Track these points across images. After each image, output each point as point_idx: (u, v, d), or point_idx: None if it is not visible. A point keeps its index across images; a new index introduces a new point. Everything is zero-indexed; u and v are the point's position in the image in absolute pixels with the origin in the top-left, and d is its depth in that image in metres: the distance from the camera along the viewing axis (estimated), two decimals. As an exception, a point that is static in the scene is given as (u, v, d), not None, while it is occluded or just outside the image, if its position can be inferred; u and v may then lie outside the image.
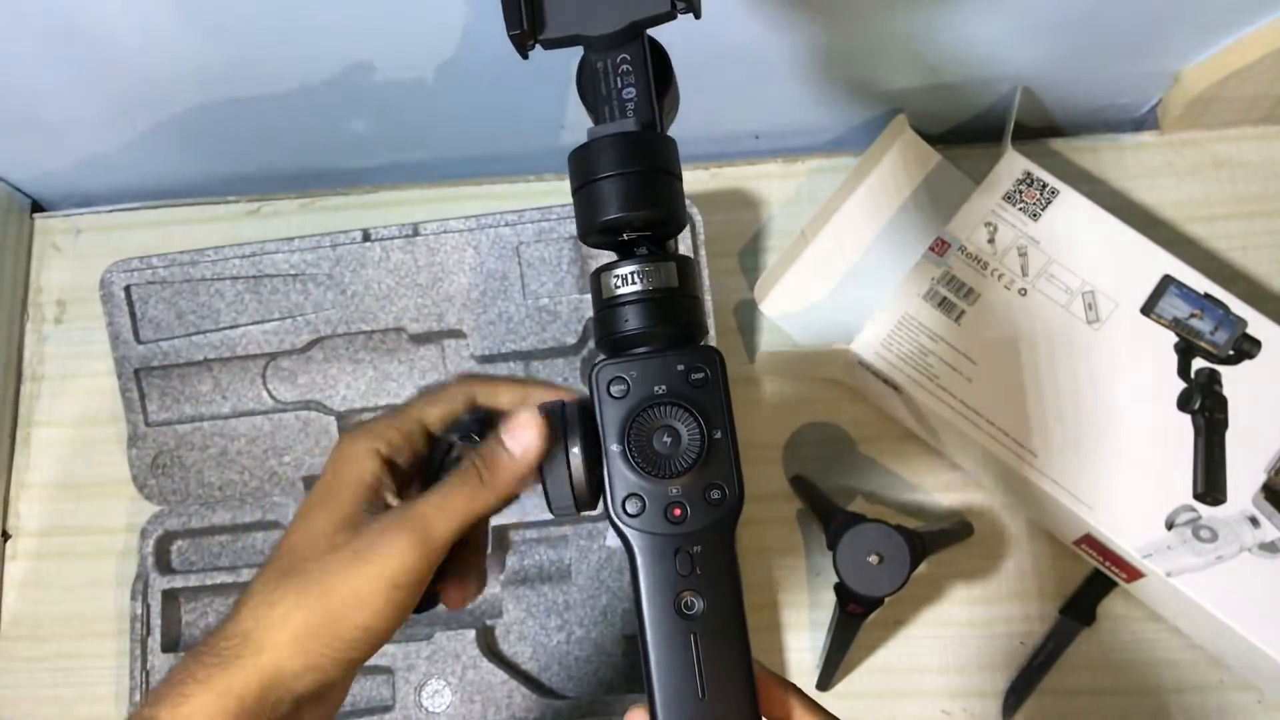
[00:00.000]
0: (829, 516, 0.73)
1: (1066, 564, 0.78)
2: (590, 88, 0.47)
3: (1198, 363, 0.73)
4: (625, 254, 0.46)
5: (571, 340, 0.78)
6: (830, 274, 0.84)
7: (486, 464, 0.45)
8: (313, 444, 0.81)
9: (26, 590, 0.86)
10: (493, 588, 0.80)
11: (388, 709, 0.77)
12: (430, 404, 0.49)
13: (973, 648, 0.78)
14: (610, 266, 0.45)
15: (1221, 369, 0.72)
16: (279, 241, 0.80)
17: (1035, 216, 0.76)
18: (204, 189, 0.92)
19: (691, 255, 0.46)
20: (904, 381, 0.74)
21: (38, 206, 0.95)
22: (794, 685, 0.46)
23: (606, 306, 0.45)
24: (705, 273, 0.78)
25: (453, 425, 0.48)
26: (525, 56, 0.47)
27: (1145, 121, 0.86)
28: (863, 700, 0.77)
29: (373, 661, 0.76)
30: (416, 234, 0.79)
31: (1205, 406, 0.72)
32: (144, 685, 0.79)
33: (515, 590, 0.80)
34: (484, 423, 0.47)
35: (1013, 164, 0.77)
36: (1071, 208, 0.76)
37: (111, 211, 0.93)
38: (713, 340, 0.44)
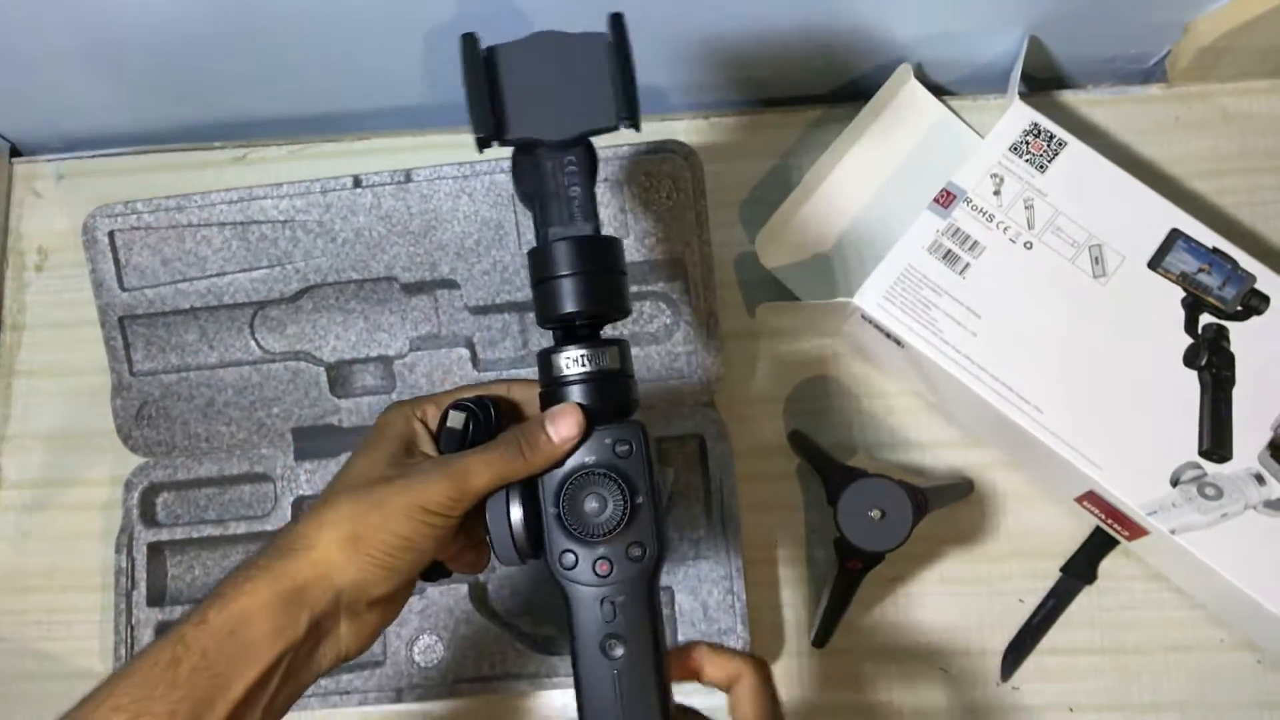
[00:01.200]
0: (828, 471, 0.72)
1: (1068, 522, 0.77)
2: (533, 179, 0.54)
3: (1205, 318, 0.72)
4: (571, 338, 0.53)
5: (568, 291, 0.76)
6: (832, 227, 0.82)
7: (527, 439, 0.51)
8: (302, 395, 0.79)
9: (10, 543, 0.85)
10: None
11: (379, 664, 0.76)
12: (465, 390, 0.57)
13: (972, 606, 0.77)
14: (559, 349, 0.52)
15: (1229, 325, 0.71)
16: (268, 187, 0.78)
17: (1042, 169, 0.75)
18: (190, 134, 0.90)
19: (625, 338, 0.54)
20: (907, 336, 0.73)
21: (16, 151, 0.92)
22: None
23: (554, 384, 0.52)
24: (708, 228, 0.76)
25: (461, 402, 0.55)
26: (482, 151, 0.53)
27: (1154, 74, 0.85)
28: (860, 657, 0.77)
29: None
30: (409, 180, 0.77)
31: (1212, 363, 0.71)
32: (129, 639, 0.77)
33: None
34: (494, 406, 0.55)
35: (1020, 115, 0.76)
36: (1079, 160, 0.75)
37: (94, 157, 0.91)
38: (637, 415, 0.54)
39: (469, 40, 0.53)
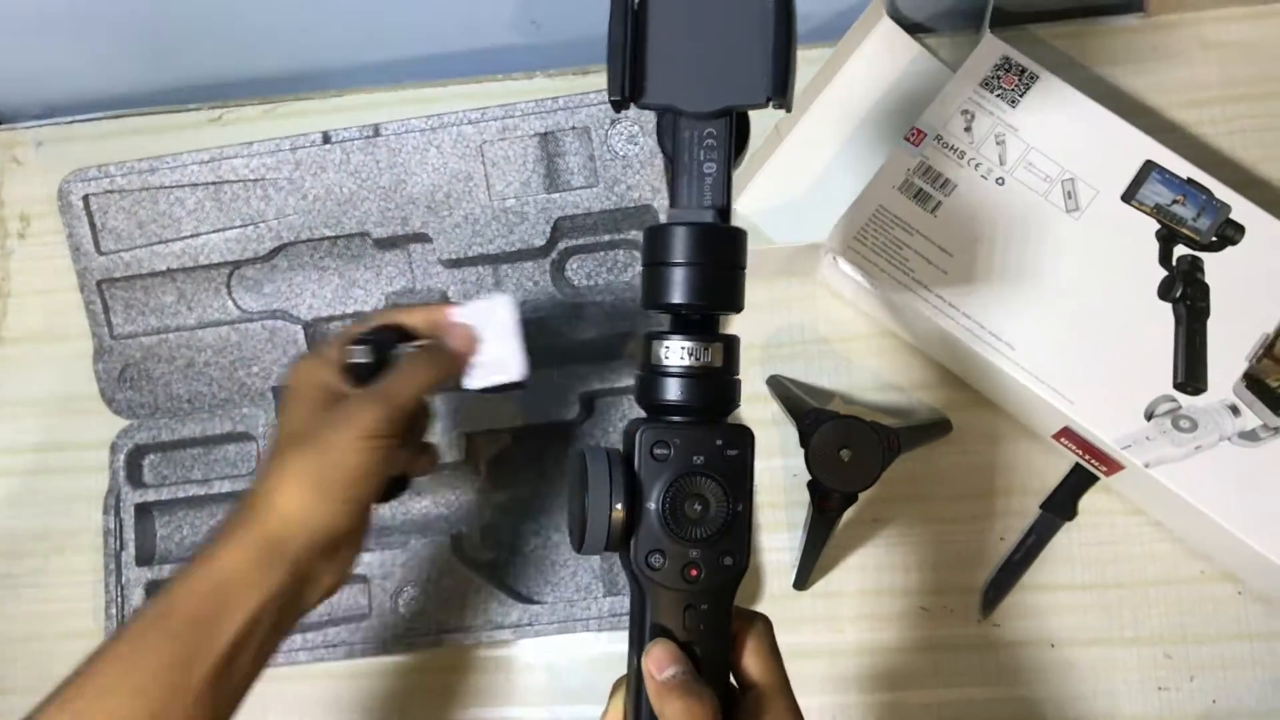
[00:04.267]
0: (800, 414, 0.72)
1: (1047, 460, 0.77)
2: (672, 145, 0.49)
3: (1179, 250, 0.71)
4: (680, 327, 0.49)
5: (540, 242, 0.76)
6: (806, 169, 0.81)
7: (433, 354, 0.60)
8: (280, 354, 0.80)
9: (3, 508, 0.86)
10: (468, 495, 0.80)
11: (364, 616, 0.77)
12: (358, 327, 0.61)
13: (952, 544, 0.77)
14: (664, 336, 0.49)
15: (1204, 256, 0.71)
16: (238, 146, 0.78)
17: (1013, 103, 0.74)
18: (167, 97, 0.90)
19: (737, 336, 0.50)
20: (878, 275, 0.72)
21: (-4, 119, 0.93)
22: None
23: (655, 373, 0.49)
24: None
25: (359, 337, 0.60)
26: (618, 111, 0.53)
27: (1131, 4, 0.83)
28: (841, 598, 0.77)
29: (348, 570, 0.76)
30: (377, 134, 0.77)
31: (1186, 295, 0.70)
32: (119, 599, 0.78)
33: (490, 497, 0.79)
34: (390, 334, 0.61)
35: (990, 49, 0.75)
36: (1050, 93, 0.74)
37: (73, 123, 0.91)
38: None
39: None
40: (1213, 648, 0.74)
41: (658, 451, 0.47)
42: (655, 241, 0.48)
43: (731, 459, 0.48)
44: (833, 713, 0.76)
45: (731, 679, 0.50)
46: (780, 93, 0.47)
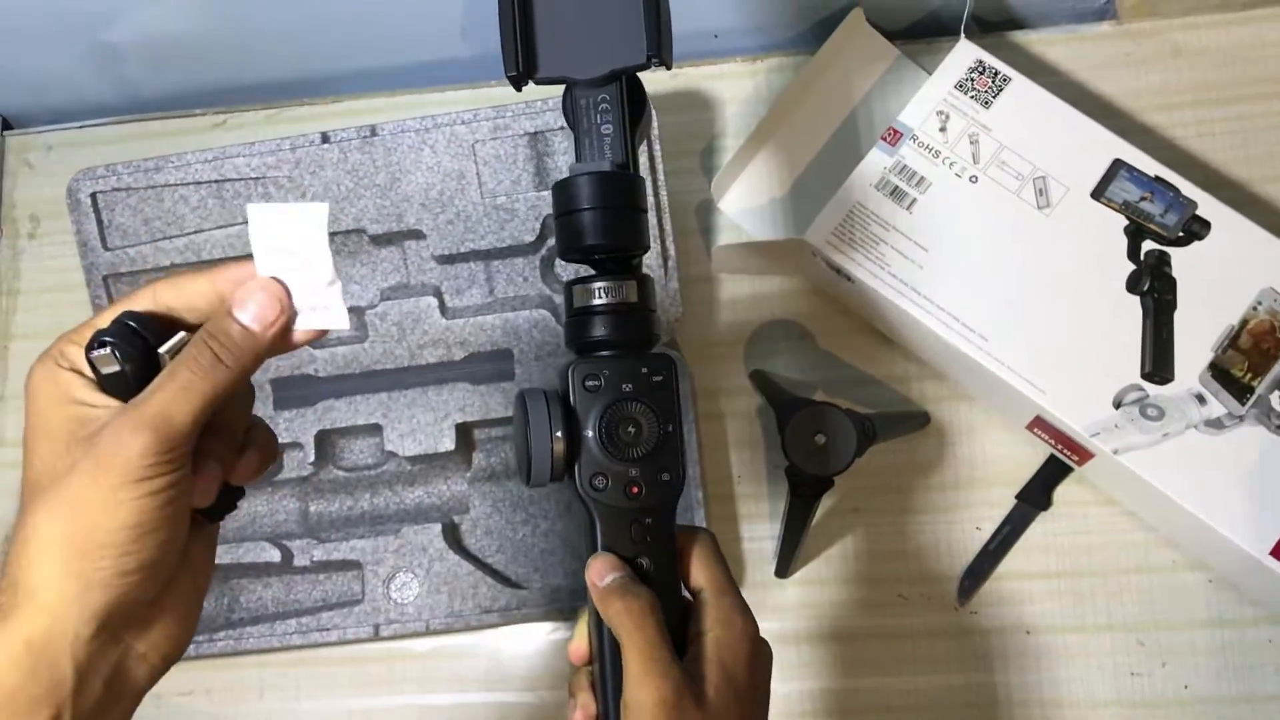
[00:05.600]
0: (779, 403, 0.74)
1: (1023, 452, 0.79)
2: (573, 117, 0.55)
3: (1147, 245, 0.73)
4: (598, 270, 0.54)
5: (530, 238, 0.79)
6: (788, 170, 0.84)
7: (219, 341, 0.43)
8: (279, 347, 0.82)
9: (11, 499, 0.88)
10: (459, 484, 0.82)
11: (357, 602, 0.79)
12: (102, 317, 0.44)
13: (929, 534, 0.79)
14: (584, 280, 0.53)
15: (1171, 250, 0.73)
16: (240, 145, 0.81)
17: (986, 104, 0.76)
18: (172, 103, 0.93)
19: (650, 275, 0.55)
20: (856, 271, 0.75)
21: (8, 124, 0.96)
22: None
23: (579, 313, 0.53)
24: (661, 172, 0.78)
25: (101, 334, 0.43)
26: (519, 90, 0.55)
27: (1105, 12, 0.86)
28: (821, 586, 0.79)
29: (343, 557, 0.79)
30: (374, 134, 0.80)
31: (1154, 288, 0.72)
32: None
33: (481, 486, 0.81)
34: (144, 324, 0.44)
35: (965, 53, 0.77)
36: (1022, 94, 0.76)
37: (81, 127, 0.94)
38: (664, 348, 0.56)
39: None
40: (1184, 634, 0.76)
41: (589, 384, 0.52)
42: (563, 193, 0.53)
43: (657, 384, 0.52)
44: (813, 698, 0.78)
45: (685, 591, 0.53)
46: (658, 50, 0.52)
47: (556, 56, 0.54)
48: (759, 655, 0.52)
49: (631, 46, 0.53)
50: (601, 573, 0.50)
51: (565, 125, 0.56)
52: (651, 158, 0.78)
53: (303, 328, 0.46)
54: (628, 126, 0.54)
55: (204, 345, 0.42)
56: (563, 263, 0.54)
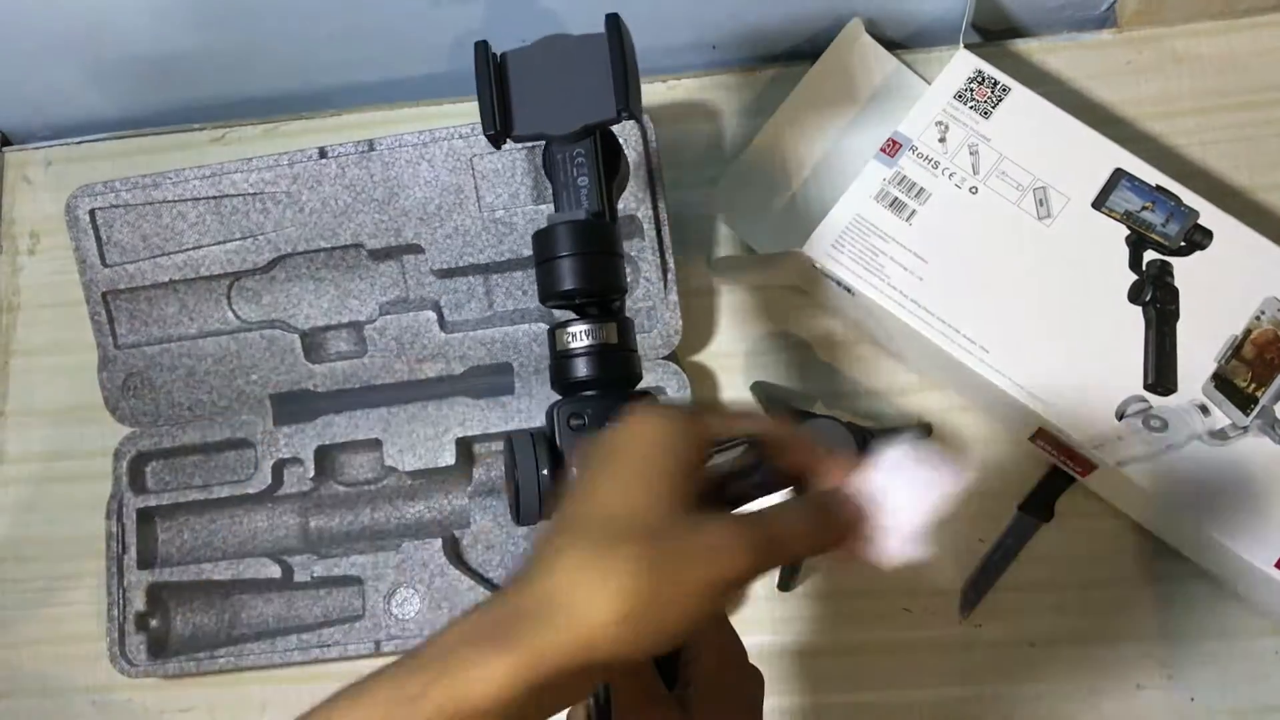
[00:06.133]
0: (778, 414, 0.74)
1: (1025, 463, 0.78)
2: (551, 170, 0.59)
3: (1149, 255, 0.73)
4: (578, 314, 0.57)
5: (528, 252, 0.78)
6: (787, 181, 0.84)
7: (828, 511, 0.43)
8: (278, 362, 0.82)
9: (10, 514, 0.88)
10: (460, 499, 0.82)
11: (358, 617, 0.79)
12: (731, 420, 0.46)
13: (932, 546, 0.78)
14: (564, 324, 0.57)
15: (1173, 260, 0.72)
16: (238, 161, 0.81)
17: (986, 114, 0.76)
18: (170, 118, 0.93)
19: (630, 318, 0.58)
20: (855, 283, 0.74)
21: (7, 140, 0.96)
22: None
23: (561, 356, 0.56)
24: (660, 184, 0.78)
25: (746, 465, 0.47)
26: (498, 148, 0.59)
27: (1105, 20, 0.86)
28: (825, 600, 0.79)
29: (343, 572, 0.78)
30: (371, 149, 0.79)
31: (1156, 298, 0.72)
32: (120, 601, 0.81)
33: (482, 501, 0.81)
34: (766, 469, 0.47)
35: (964, 63, 0.77)
36: (1022, 104, 0.76)
37: (80, 143, 0.94)
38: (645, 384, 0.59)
39: (481, 47, 0.58)
40: (1190, 646, 0.75)
41: (574, 423, 0.54)
42: (541, 242, 0.56)
43: None
44: (816, 712, 0.77)
45: None
46: (626, 105, 0.56)
47: (531, 115, 0.58)
48: (748, 680, 0.52)
49: (602, 102, 0.56)
50: None
51: (547, 179, 0.60)
52: (650, 170, 0.78)
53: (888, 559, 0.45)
54: (602, 177, 0.58)
55: (819, 509, 0.43)
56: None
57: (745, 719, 0.50)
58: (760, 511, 0.42)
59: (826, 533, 0.43)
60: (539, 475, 0.53)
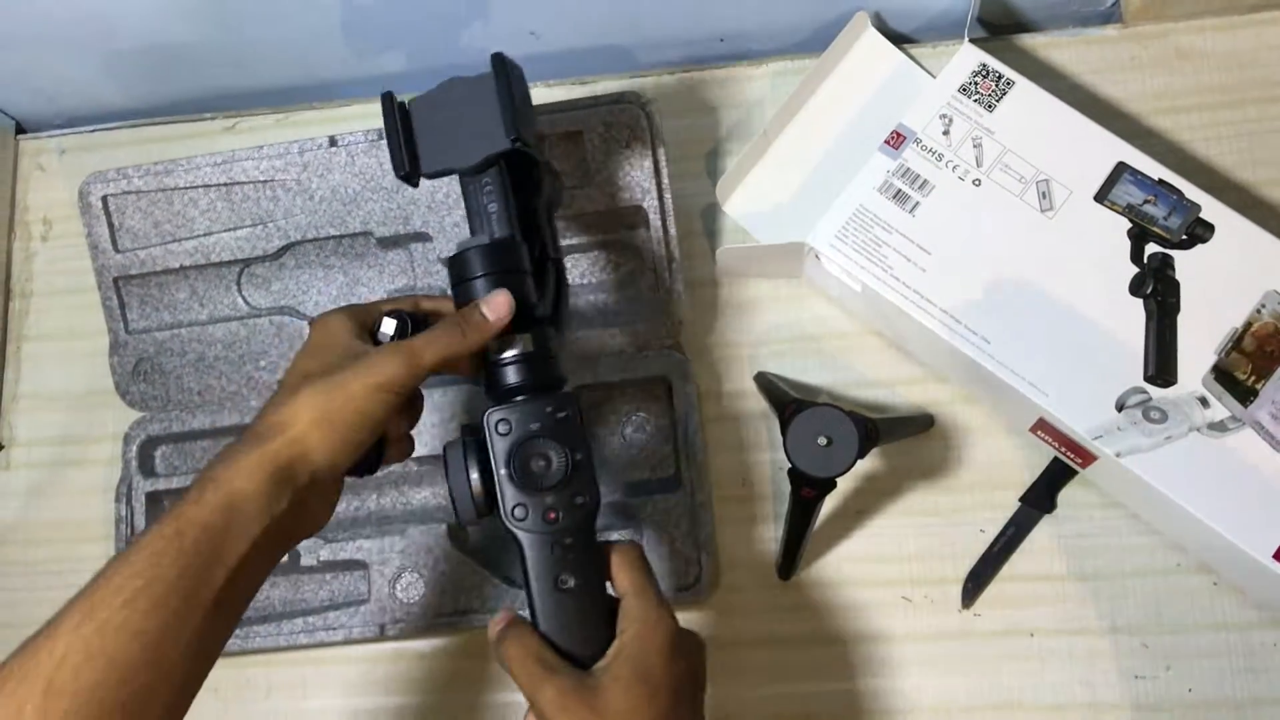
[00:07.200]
0: (782, 405, 0.74)
1: (1027, 454, 0.79)
2: (465, 200, 0.63)
3: (1150, 248, 0.73)
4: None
5: (534, 241, 0.79)
6: (793, 173, 0.84)
7: (467, 321, 0.59)
8: (287, 349, 0.83)
9: (21, 498, 0.89)
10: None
11: (363, 601, 0.80)
12: (385, 304, 0.64)
13: (934, 536, 0.79)
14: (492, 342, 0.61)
15: (1174, 253, 0.73)
16: (249, 149, 0.82)
17: (990, 108, 0.77)
18: (182, 107, 0.94)
19: (541, 324, 0.63)
20: (859, 274, 0.75)
21: (21, 128, 0.97)
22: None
23: (488, 368, 0.61)
24: (666, 175, 0.79)
25: (393, 312, 0.63)
26: (414, 187, 0.64)
27: (1110, 15, 0.86)
28: (826, 588, 0.79)
29: (349, 556, 0.79)
30: (381, 138, 0.80)
31: (1157, 291, 0.72)
32: (130, 582, 0.81)
33: (487, 488, 0.82)
34: (412, 317, 0.63)
35: (968, 56, 0.78)
36: (1026, 98, 0.76)
37: (93, 131, 0.95)
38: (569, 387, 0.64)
39: (387, 99, 0.63)
40: (1189, 637, 0.75)
41: (500, 428, 0.59)
42: (454, 266, 0.61)
43: (561, 419, 0.59)
44: (817, 700, 0.78)
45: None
46: (516, 132, 0.60)
47: (437, 153, 0.62)
48: (677, 647, 0.57)
49: (496, 134, 0.60)
50: (492, 627, 0.60)
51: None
52: (656, 161, 0.78)
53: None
54: (511, 202, 0.62)
55: (455, 321, 0.59)
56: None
57: (672, 681, 0.56)
58: (410, 338, 0.59)
59: (450, 338, 0.58)
60: (469, 480, 0.59)
